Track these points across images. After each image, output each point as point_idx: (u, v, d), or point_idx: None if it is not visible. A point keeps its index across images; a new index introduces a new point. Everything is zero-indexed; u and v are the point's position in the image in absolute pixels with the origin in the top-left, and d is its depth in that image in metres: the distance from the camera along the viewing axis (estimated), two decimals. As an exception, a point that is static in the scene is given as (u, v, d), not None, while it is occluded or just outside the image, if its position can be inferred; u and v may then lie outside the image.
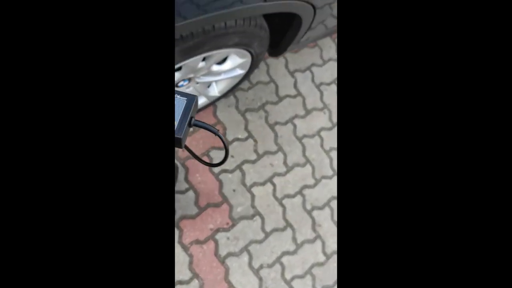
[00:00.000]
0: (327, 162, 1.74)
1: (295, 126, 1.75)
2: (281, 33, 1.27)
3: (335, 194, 1.81)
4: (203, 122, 0.59)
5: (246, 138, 1.67)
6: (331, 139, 1.79)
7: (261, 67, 1.78)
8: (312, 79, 1.84)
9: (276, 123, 1.73)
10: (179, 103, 0.57)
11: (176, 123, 0.55)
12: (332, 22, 1.31)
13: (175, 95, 0.57)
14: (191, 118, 0.57)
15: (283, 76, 1.80)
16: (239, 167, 1.63)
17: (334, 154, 1.83)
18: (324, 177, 1.73)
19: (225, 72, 1.34)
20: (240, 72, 1.39)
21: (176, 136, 0.54)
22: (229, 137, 1.65)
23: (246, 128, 1.68)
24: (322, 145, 1.76)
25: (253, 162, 1.65)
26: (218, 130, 0.59)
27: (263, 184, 1.64)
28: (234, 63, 1.30)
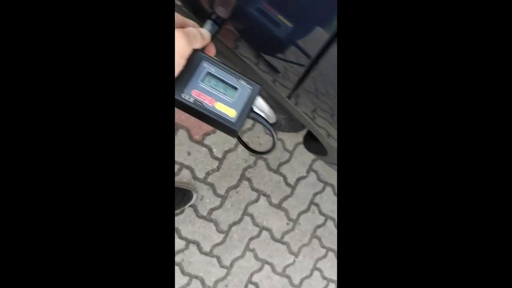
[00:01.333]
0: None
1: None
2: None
3: None
4: (261, 116, 0.54)
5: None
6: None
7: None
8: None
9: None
10: (244, 92, 0.52)
11: (236, 113, 0.50)
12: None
13: (241, 80, 0.52)
14: (251, 109, 0.52)
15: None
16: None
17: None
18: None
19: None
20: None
21: (233, 128, 0.50)
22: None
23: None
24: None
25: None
26: (273, 128, 0.52)
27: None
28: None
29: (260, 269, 1.75)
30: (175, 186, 1.54)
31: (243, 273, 1.74)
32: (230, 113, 0.51)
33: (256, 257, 1.74)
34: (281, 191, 1.73)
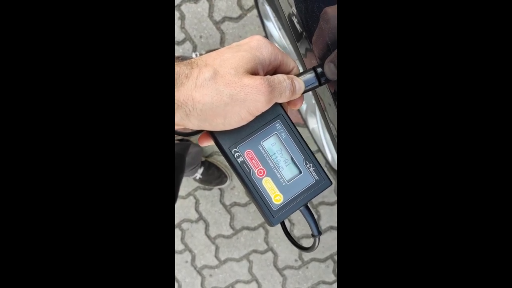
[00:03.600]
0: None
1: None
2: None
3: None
4: (311, 217, 0.42)
5: None
6: None
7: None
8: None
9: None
10: (306, 180, 0.41)
11: (282, 201, 0.40)
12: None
13: (310, 165, 0.41)
14: (305, 205, 0.42)
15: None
16: None
17: None
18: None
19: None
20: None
21: (269, 219, 0.40)
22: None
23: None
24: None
25: (319, 221, 1.65)
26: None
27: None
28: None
29: (247, 282, 1.70)
30: (214, 163, 1.55)
31: (230, 275, 1.71)
32: (275, 198, 0.40)
33: (250, 269, 1.69)
34: (307, 228, 1.62)
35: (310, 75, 0.41)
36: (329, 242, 1.63)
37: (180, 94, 0.32)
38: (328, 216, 1.62)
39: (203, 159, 1.56)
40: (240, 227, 1.65)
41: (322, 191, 0.41)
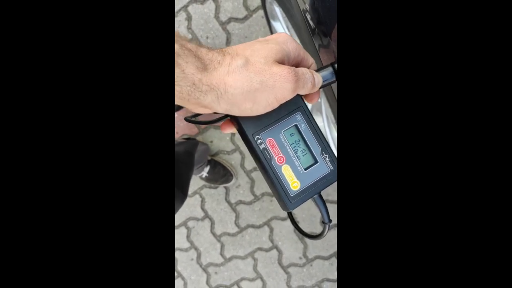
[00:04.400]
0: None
1: None
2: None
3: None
4: (323, 204, 0.45)
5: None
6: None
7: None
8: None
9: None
10: (321, 169, 0.43)
11: (299, 188, 0.42)
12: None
13: (326, 155, 0.43)
14: (319, 193, 0.44)
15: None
16: None
17: None
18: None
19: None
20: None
21: (286, 204, 0.42)
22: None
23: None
24: None
25: None
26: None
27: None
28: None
29: (252, 280, 1.72)
30: (220, 162, 1.57)
31: (235, 272, 1.73)
32: (293, 184, 0.42)
33: (254, 267, 1.71)
34: (312, 226, 1.65)
35: (327, 71, 0.43)
36: (333, 240, 1.65)
37: (213, 78, 0.34)
38: (333, 214, 1.64)
39: (209, 157, 1.58)
40: (245, 225, 1.67)
41: (336, 180, 0.43)
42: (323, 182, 0.43)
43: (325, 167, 0.43)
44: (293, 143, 0.42)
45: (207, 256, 1.73)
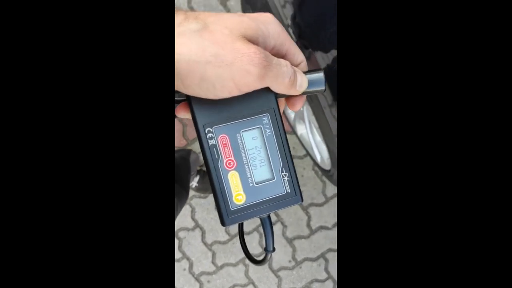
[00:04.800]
0: None
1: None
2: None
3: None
4: (270, 229, 0.39)
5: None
6: None
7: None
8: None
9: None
10: (276, 189, 0.36)
11: (242, 203, 0.35)
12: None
13: (285, 174, 0.36)
14: (268, 216, 0.38)
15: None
16: None
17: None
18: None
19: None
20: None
21: (222, 218, 0.35)
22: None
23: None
24: None
25: (309, 222, 1.74)
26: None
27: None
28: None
29: (244, 286, 1.77)
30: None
31: (227, 280, 1.77)
32: (237, 197, 0.35)
33: (246, 273, 1.76)
34: (299, 229, 1.72)
35: (317, 75, 0.35)
36: (320, 242, 1.73)
37: None
38: (318, 217, 1.72)
39: (199, 168, 1.64)
40: (235, 232, 1.73)
41: (289, 206, 0.37)
42: (273, 204, 0.36)
43: (280, 187, 0.36)
44: (252, 148, 0.35)
45: (199, 265, 1.77)
